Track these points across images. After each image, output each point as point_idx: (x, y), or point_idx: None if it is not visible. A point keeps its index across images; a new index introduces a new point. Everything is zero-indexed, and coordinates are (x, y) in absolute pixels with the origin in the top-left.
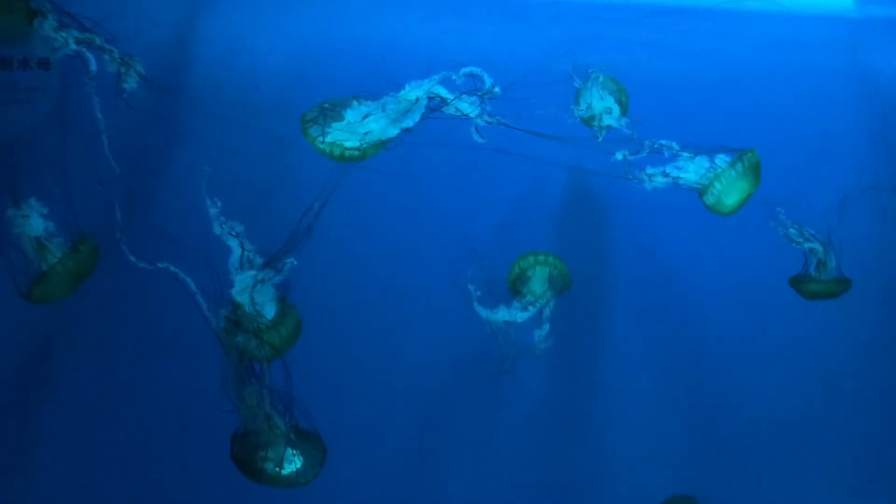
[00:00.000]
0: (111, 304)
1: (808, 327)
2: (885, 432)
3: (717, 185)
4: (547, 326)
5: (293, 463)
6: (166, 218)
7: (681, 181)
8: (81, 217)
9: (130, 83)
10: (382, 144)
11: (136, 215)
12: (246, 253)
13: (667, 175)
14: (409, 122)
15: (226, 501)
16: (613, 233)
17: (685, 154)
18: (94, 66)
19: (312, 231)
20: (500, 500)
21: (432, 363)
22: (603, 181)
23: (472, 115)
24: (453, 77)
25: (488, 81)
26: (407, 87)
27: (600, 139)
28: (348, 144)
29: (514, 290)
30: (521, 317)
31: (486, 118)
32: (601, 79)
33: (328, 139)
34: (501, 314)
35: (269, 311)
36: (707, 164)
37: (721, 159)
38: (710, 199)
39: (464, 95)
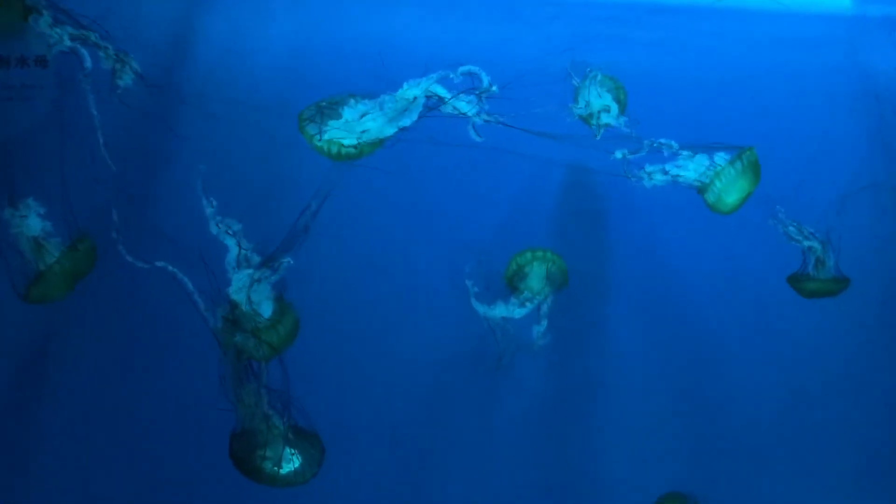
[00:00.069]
0: (109, 303)
1: (806, 325)
2: (883, 431)
3: (718, 184)
4: (545, 323)
5: (291, 462)
6: (163, 217)
7: (680, 179)
8: (79, 216)
9: (126, 80)
10: (379, 143)
11: (134, 214)
12: (243, 252)
13: (666, 173)
14: (407, 121)
15: (224, 500)
16: (612, 230)
17: (684, 153)
18: (88, 63)
19: (310, 229)
20: (498, 496)
21: (430, 361)
22: (601, 179)
23: (469, 113)
24: (451, 76)
25: (486, 80)
26: (405, 86)
27: (598, 137)
28: (345, 143)
29: (512, 286)
30: (518, 313)
31: (485, 116)
32: (599, 77)
33: (325, 137)
34: (499, 310)
35: (266, 309)
36: (707, 163)
37: (720, 157)
38: (710, 198)
39: (461, 94)
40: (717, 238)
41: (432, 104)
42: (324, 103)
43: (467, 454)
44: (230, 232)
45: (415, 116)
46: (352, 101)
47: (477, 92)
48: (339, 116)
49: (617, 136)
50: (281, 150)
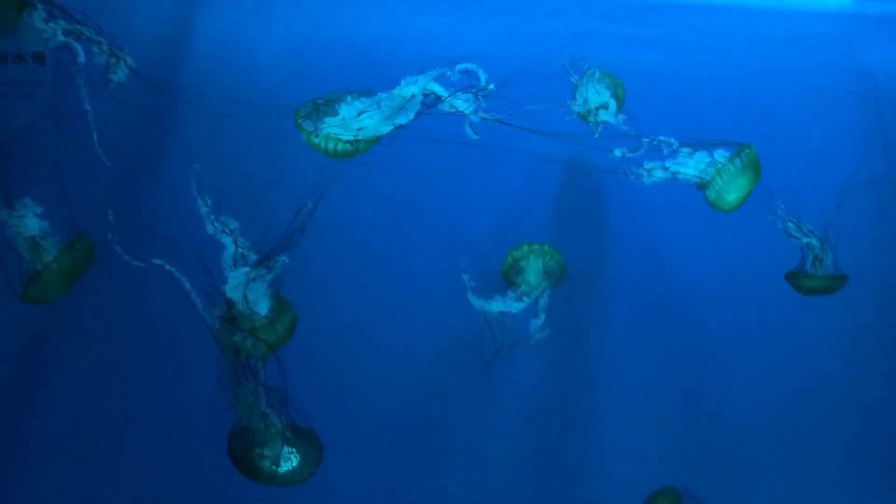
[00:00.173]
0: (106, 303)
1: (804, 322)
2: (881, 428)
3: (719, 181)
4: (543, 317)
5: (290, 461)
6: (161, 215)
7: (679, 176)
8: (77, 215)
9: (119, 75)
10: (376, 140)
11: (131, 213)
12: (239, 250)
13: (666, 169)
14: (404, 119)
15: (223, 500)
16: (610, 226)
17: (684, 150)
18: (82, 58)
19: (307, 227)
20: (496, 491)
21: (428, 357)
22: (600, 176)
23: (466, 111)
24: (448, 73)
25: (483, 78)
26: (402, 84)
27: (596, 135)
28: (342, 140)
29: (508, 280)
30: (515, 307)
31: (482, 114)
32: (597, 74)
33: (322, 134)
34: (496, 305)
35: (263, 307)
36: (707, 160)
37: (720, 154)
38: (711, 195)
39: (459, 93)
40: (715, 235)
41: (430, 102)
42: (320, 100)
43: (465, 450)
44: (227, 230)
45: (412, 115)
46: (348, 98)
47: (474, 90)
48: (335, 114)
49: (616, 134)
50: (278, 147)
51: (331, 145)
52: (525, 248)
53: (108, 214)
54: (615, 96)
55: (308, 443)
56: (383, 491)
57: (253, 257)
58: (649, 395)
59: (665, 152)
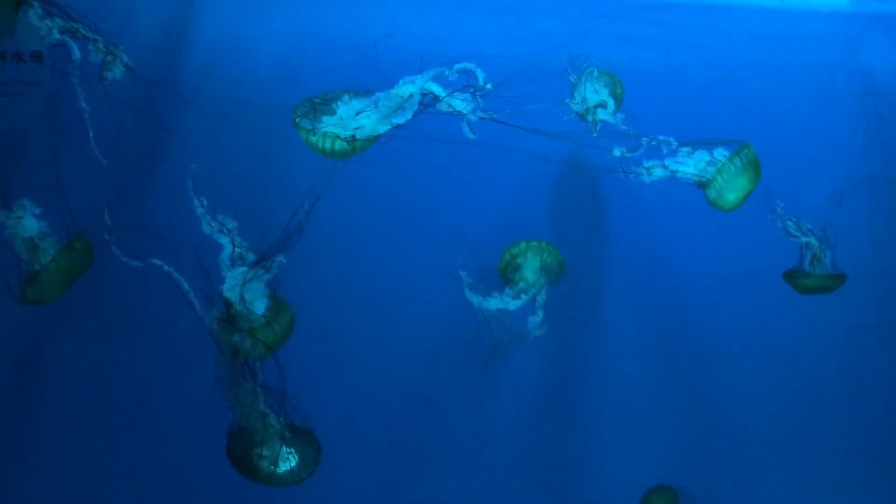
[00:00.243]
0: (104, 303)
1: (802, 321)
2: (878, 426)
3: (720, 180)
4: (541, 314)
5: (288, 461)
6: (159, 215)
7: (679, 174)
8: (75, 214)
9: (115, 72)
10: (373, 140)
11: (129, 213)
12: (237, 249)
13: (665, 167)
14: (401, 119)
15: (222, 500)
16: (608, 224)
17: (684, 150)
18: (77, 55)
19: (305, 226)
20: (494, 489)
21: (426, 357)
22: (599, 174)
23: (464, 111)
24: (446, 73)
25: (481, 77)
26: (400, 83)
27: (595, 134)
28: (338, 141)
29: (505, 277)
30: (513, 305)
31: (479, 114)
32: (595, 73)
33: (319, 133)
34: (494, 302)
35: (260, 307)
36: (707, 159)
37: (720, 153)
38: (711, 194)
39: (457, 92)
40: (714, 233)
41: (428, 101)
42: (317, 99)
43: (463, 448)
44: (224, 230)
45: (409, 115)
46: (346, 97)
47: (472, 90)
48: (333, 113)
49: (615, 133)
50: (277, 146)
51: (328, 143)
52: (523, 244)
53: (104, 217)
54: (613, 95)
55: (306, 442)
56: (381, 490)
57: (251, 257)
58: (647, 393)
59: (665, 152)
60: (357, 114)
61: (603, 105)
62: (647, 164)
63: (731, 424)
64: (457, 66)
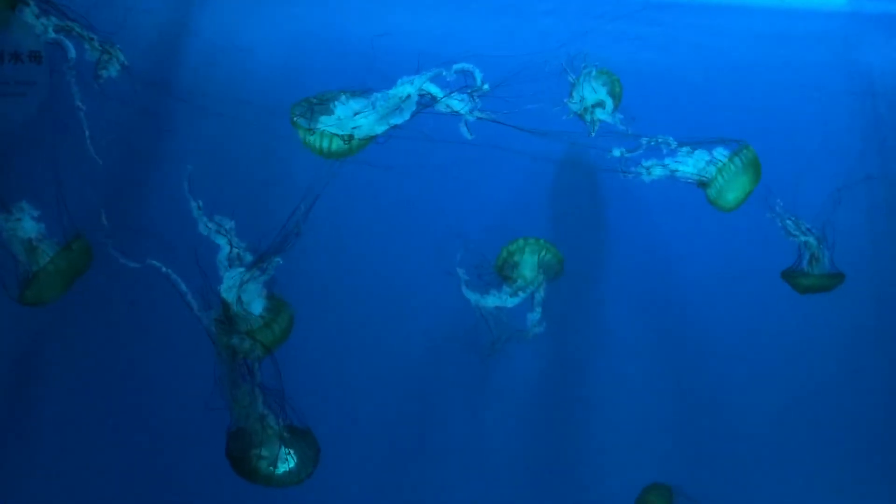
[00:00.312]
0: (102, 304)
1: (801, 320)
2: (877, 426)
3: (720, 179)
4: (539, 311)
5: (287, 462)
6: (157, 216)
7: (678, 173)
8: (74, 215)
9: (111, 71)
10: (371, 139)
11: (127, 214)
12: (235, 250)
13: (665, 166)
14: (399, 120)
15: (221, 500)
16: (607, 223)
17: (683, 150)
18: (72, 54)
19: (304, 225)
20: (492, 486)
21: (425, 357)
22: (598, 174)
23: (462, 111)
24: (444, 73)
25: (479, 78)
26: (398, 83)
27: (593, 134)
28: (336, 140)
29: (503, 274)
30: (511, 302)
31: (477, 114)
32: (594, 73)
33: (317, 134)
34: (492, 300)
35: (257, 307)
36: (706, 158)
37: (719, 153)
38: (711, 193)
39: (454, 93)
40: (713, 232)
41: (425, 102)
42: (315, 99)
43: (461, 447)
44: (222, 230)
45: (407, 115)
46: (343, 97)
47: (469, 90)
48: (330, 112)
49: (615, 133)
50: (275, 146)
51: (325, 142)
52: (520, 241)
53: (101, 219)
54: (612, 94)
55: (305, 443)
56: (381, 490)
57: (249, 258)
58: (645, 391)
59: (664, 151)
60: (355, 114)
61: (601, 104)
62: (646, 163)
63: (729, 423)
64: (455, 67)
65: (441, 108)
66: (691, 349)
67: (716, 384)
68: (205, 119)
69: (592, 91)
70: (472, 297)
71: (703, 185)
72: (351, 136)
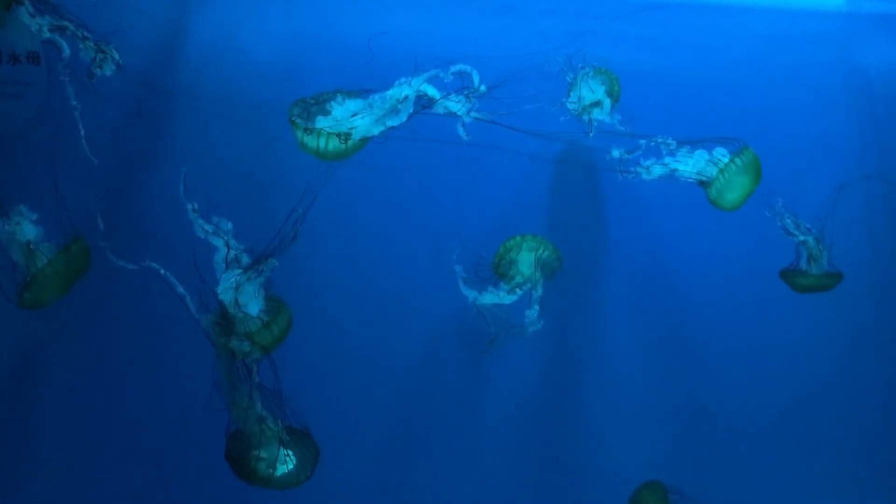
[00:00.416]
0: (101, 307)
1: (799, 319)
2: (876, 426)
3: (721, 179)
4: (537, 308)
5: (286, 464)
6: (155, 218)
7: (678, 173)
8: (73, 216)
9: (106, 70)
10: (367, 140)
11: (125, 215)
12: (232, 251)
13: (665, 165)
14: (396, 121)
15: (219, 501)
16: (606, 222)
17: (683, 150)
18: (66, 53)
19: (302, 226)
20: (490, 485)
21: (424, 357)
22: (596, 174)
23: (459, 113)
24: (441, 75)
25: (476, 79)
26: (395, 84)
27: (591, 135)
28: (332, 140)
29: (499, 271)
30: (508, 299)
31: (475, 114)
32: (591, 72)
33: (314, 133)
34: (489, 297)
35: (254, 308)
36: (706, 157)
37: (719, 152)
38: (712, 193)
39: (451, 95)
40: (712, 231)
41: (423, 103)
42: (311, 100)
43: (460, 446)
44: (219, 232)
45: (404, 117)
46: (339, 97)
47: (466, 92)
48: (327, 113)
49: (613, 134)
50: (273, 146)
51: (322, 143)
52: (518, 238)
53: (98, 220)
54: (610, 93)
55: (304, 445)
56: (380, 491)
57: (246, 259)
58: (643, 390)
59: (664, 152)
60: (352, 115)
61: (599, 104)
62: (645, 162)
63: (726, 422)
64: (452, 69)
65: (439, 109)
66: (689, 348)
67: (713, 383)
68: (202, 119)
69: (590, 91)
70: (470, 294)
71: (703, 184)
72: (348, 136)
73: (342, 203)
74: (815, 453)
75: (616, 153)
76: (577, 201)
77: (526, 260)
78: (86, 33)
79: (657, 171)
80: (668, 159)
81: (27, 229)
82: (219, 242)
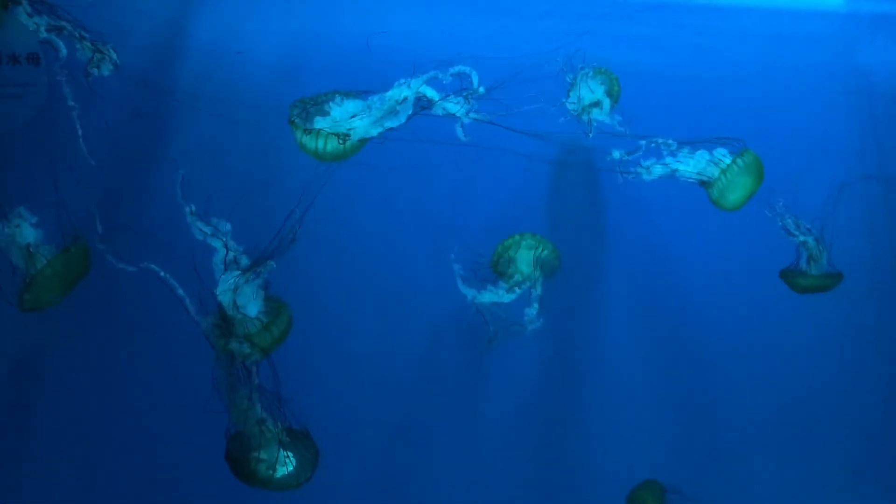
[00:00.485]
0: (100, 308)
1: (799, 319)
2: (876, 426)
3: (723, 179)
4: (536, 306)
5: (286, 466)
6: (154, 219)
7: (678, 173)
8: (72, 217)
9: (103, 70)
10: (366, 141)
11: (124, 217)
12: (231, 253)
13: (665, 165)
14: (395, 123)
15: (219, 503)
16: (606, 222)
17: (683, 150)
18: (64, 53)
19: (301, 227)
20: (489, 484)
21: (423, 357)
22: (596, 174)
23: (458, 114)
24: (440, 76)
25: (476, 81)
26: (395, 85)
27: (591, 135)
28: (331, 141)
29: (498, 270)
30: (507, 298)
31: (474, 115)
32: (591, 73)
33: (313, 134)
34: (488, 296)
35: (253, 309)
36: (707, 158)
37: (720, 153)
38: (714, 193)
39: (450, 96)
40: (712, 231)
41: (422, 104)
42: (310, 100)
43: (461, 448)
44: (218, 233)
45: (403, 118)
46: (338, 97)
47: (465, 93)
48: (325, 113)
49: (613, 135)
50: (271, 147)
51: (321, 143)
52: (517, 237)
53: (96, 223)
54: (610, 93)
55: (304, 446)
56: (380, 491)
57: (245, 261)
58: (642, 389)
59: (664, 152)
60: (351, 116)
61: (598, 104)
62: (646, 162)
63: (725, 421)
64: (451, 70)
65: (437, 110)
66: (689, 347)
67: (713, 383)
68: (201, 120)
69: (589, 91)
70: (469, 293)
71: (704, 184)
72: (346, 136)
73: (341, 204)
74: (815, 453)
75: (616, 154)
76: (576, 201)
77: (525, 258)
78: (83, 33)
79: (657, 171)
80: (668, 159)
81: (27, 232)
82: (218, 244)
